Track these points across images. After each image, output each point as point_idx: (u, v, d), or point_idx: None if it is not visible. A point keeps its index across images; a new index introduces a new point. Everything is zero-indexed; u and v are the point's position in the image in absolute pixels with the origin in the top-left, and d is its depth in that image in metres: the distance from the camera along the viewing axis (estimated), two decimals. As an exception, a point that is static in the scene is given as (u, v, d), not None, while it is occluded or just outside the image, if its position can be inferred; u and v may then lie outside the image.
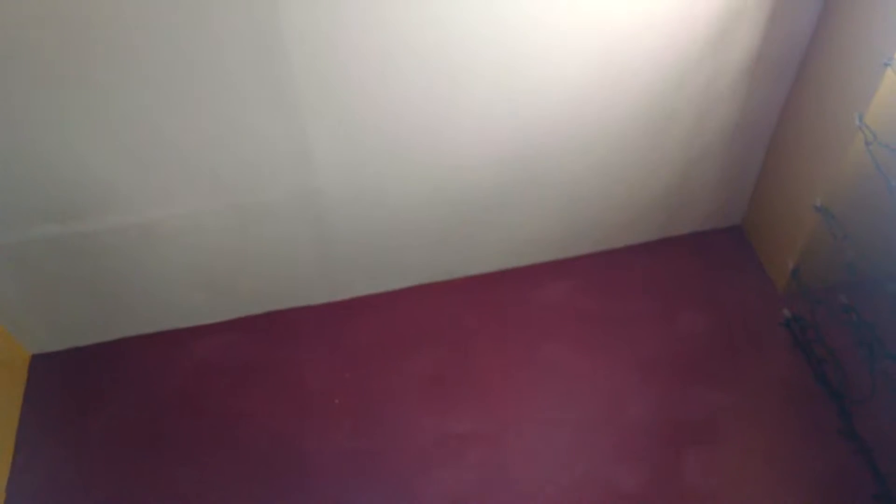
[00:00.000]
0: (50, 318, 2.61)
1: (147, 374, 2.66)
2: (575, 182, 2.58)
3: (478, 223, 2.65)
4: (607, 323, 2.71)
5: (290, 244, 2.55)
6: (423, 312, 2.77)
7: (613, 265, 2.86)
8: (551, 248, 2.84)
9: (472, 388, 2.57)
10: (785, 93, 2.48)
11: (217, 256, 2.53)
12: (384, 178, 2.40)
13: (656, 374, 2.57)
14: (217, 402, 2.58)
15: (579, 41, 2.15)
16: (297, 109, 2.13)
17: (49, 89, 1.94)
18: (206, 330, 2.75)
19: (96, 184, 2.20)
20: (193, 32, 1.89)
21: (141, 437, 2.52)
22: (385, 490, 2.37)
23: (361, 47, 2.02)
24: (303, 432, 2.50)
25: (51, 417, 2.58)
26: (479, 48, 2.10)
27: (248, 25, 1.90)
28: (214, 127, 2.13)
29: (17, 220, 2.25)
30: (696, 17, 2.15)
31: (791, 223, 2.59)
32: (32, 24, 1.79)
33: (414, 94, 2.17)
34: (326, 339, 2.72)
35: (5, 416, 2.53)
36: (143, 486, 2.42)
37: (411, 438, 2.47)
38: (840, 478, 2.32)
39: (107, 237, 2.36)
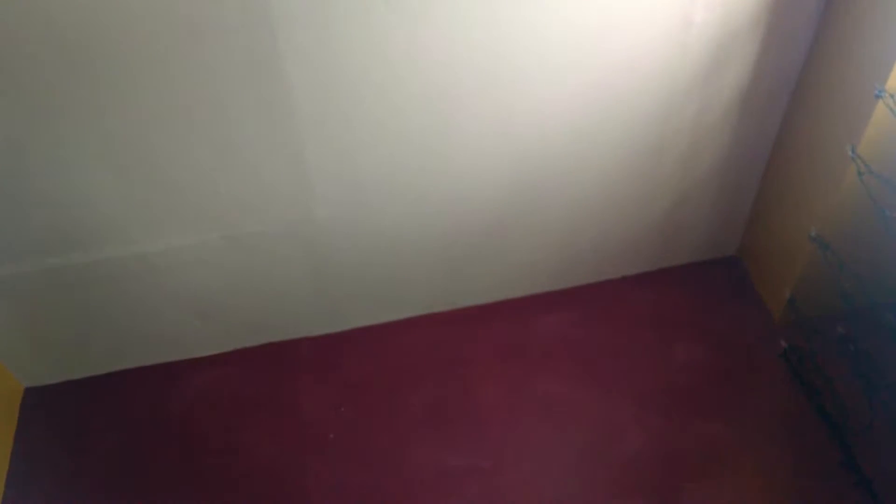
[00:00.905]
0: (44, 350, 2.60)
1: (142, 407, 2.64)
2: (569, 213, 2.59)
3: (475, 254, 2.65)
4: (603, 354, 2.70)
5: (287, 275, 2.55)
6: (419, 344, 2.76)
7: (608, 296, 2.86)
8: (547, 279, 2.84)
9: (469, 421, 2.55)
10: (777, 124, 2.50)
11: (214, 287, 2.52)
12: (381, 209, 2.41)
13: (653, 406, 2.55)
14: (212, 435, 2.56)
15: (572, 74, 2.17)
16: (294, 140, 2.14)
17: (46, 122, 1.95)
18: (202, 362, 2.74)
19: (92, 215, 2.20)
20: (191, 63, 1.90)
21: (135, 471, 2.49)
22: (381, 524, 2.35)
23: (360, 78, 2.03)
24: (298, 466, 2.47)
25: (43, 451, 2.56)
26: (475, 81, 2.12)
27: (247, 56, 1.91)
28: (212, 157, 2.13)
29: (13, 252, 2.25)
30: (688, 48, 2.17)
31: (787, 253, 2.59)
32: (32, 57, 1.81)
33: (411, 125, 2.19)
34: (323, 371, 2.70)
35: (-3, 449, 2.51)
36: (135, 521, 2.39)
37: (408, 472, 2.45)
38: (841, 510, 2.30)
39: (102, 269, 2.35)
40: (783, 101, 2.43)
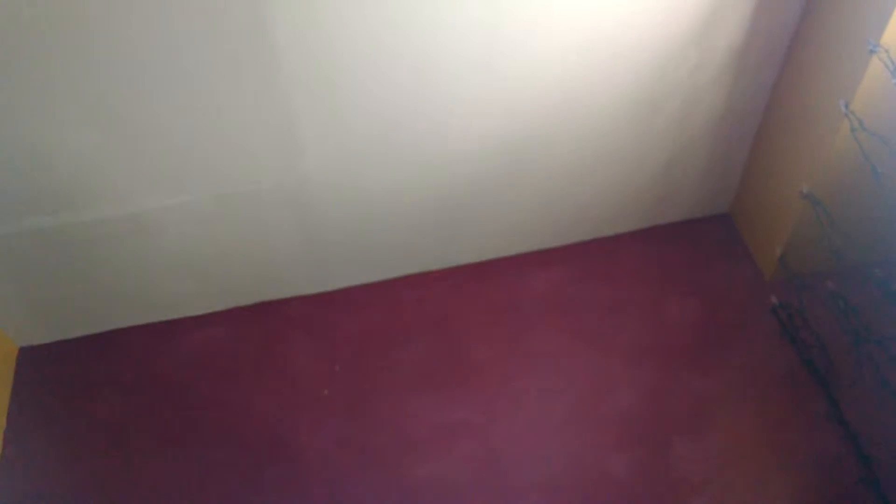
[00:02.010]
0: (38, 310, 2.60)
1: (136, 366, 2.66)
2: (562, 171, 2.59)
3: (467, 212, 2.65)
4: (596, 311, 2.72)
5: (279, 234, 2.54)
6: (412, 302, 2.77)
7: (602, 254, 2.87)
8: (540, 237, 2.85)
9: (462, 378, 2.58)
10: (771, 80, 2.48)
11: (206, 247, 2.52)
12: (373, 168, 2.40)
13: (645, 361, 2.58)
14: (207, 393, 2.58)
15: (565, 30, 2.15)
16: (286, 100, 2.12)
17: (37, 80, 1.92)
18: (196, 321, 2.74)
19: (84, 175, 2.19)
20: (182, 20, 1.87)
21: (130, 430, 2.51)
22: (376, 481, 2.38)
23: (350, 36, 2.01)
24: (293, 423, 2.50)
25: (39, 410, 2.57)
26: (467, 38, 2.10)
27: (238, 12, 1.89)
28: (203, 116, 2.11)
29: (5, 211, 2.24)
30: (682, 4, 2.15)
31: (778, 210, 2.60)
32: (21, 15, 1.78)
33: (403, 84, 2.17)
34: (316, 330, 2.71)
35: (-7, 409, 2.52)
36: (132, 478, 2.41)
37: (402, 429, 2.48)
38: (827, 462, 2.34)
39: (96, 228, 2.34)
40: (777, 57, 2.41)
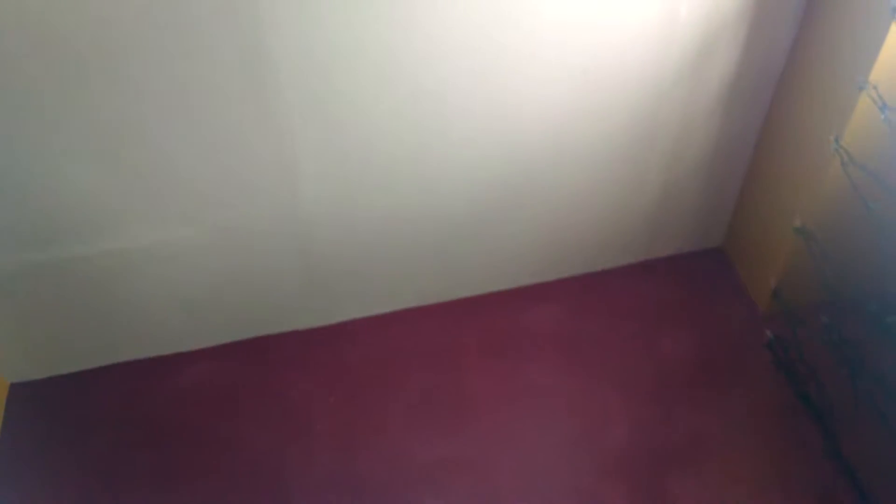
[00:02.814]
0: (29, 345, 2.58)
1: (128, 402, 2.63)
2: (556, 206, 2.60)
3: (462, 247, 2.65)
4: (590, 345, 2.71)
5: (275, 268, 2.54)
6: (408, 337, 2.76)
7: (595, 288, 2.87)
8: (534, 272, 2.85)
9: (457, 413, 2.56)
10: (762, 115, 2.51)
11: (201, 281, 2.51)
12: (369, 202, 2.40)
13: (640, 397, 2.57)
14: (200, 429, 2.56)
15: (559, 66, 2.17)
16: (283, 133, 2.13)
17: (30, 113, 1.93)
18: (190, 356, 2.73)
19: (77, 210, 2.19)
20: (179, 53, 1.89)
21: (122, 467, 2.48)
22: (370, 517, 2.35)
23: (349, 70, 2.03)
24: (287, 459, 2.47)
25: (30, 448, 2.54)
26: (464, 75, 2.12)
27: (235, 46, 1.91)
28: (199, 149, 2.12)
29: (-3, 246, 2.24)
30: (674, 40, 2.18)
31: (772, 245, 2.61)
32: (12, 48, 1.79)
33: (400, 118, 2.19)
34: (311, 365, 2.70)
35: (-17, 446, 2.49)
36: (124, 516, 2.38)
37: (397, 465, 2.45)
38: (825, 498, 2.32)
39: (88, 263, 2.34)
40: (768, 92, 2.45)
